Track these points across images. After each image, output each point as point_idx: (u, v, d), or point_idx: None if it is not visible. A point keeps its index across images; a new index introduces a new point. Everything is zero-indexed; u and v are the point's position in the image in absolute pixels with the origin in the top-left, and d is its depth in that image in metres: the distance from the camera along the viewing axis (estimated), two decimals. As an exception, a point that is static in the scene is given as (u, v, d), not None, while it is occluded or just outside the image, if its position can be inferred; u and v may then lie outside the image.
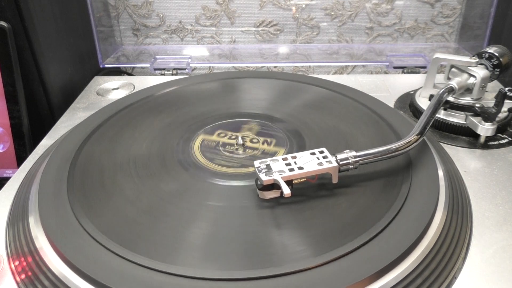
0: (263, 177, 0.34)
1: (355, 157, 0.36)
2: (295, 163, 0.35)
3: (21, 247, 0.33)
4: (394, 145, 0.37)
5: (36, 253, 0.32)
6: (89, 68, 0.70)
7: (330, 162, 0.35)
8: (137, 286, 0.28)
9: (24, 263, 0.31)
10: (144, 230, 0.32)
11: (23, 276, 0.31)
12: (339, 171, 0.35)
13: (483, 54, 0.50)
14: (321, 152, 0.36)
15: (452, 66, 0.51)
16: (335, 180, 0.36)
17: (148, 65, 0.71)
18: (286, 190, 0.32)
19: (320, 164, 0.35)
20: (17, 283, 0.31)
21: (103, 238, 0.31)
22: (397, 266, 0.29)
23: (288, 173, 0.34)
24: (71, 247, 0.31)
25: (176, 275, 0.28)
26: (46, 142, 0.49)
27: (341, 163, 0.35)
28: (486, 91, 0.50)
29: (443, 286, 0.30)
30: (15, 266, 0.32)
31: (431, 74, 0.53)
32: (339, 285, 0.27)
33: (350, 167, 0.36)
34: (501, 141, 0.46)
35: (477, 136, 0.46)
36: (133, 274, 0.29)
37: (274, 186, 0.34)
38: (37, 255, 0.31)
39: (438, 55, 0.52)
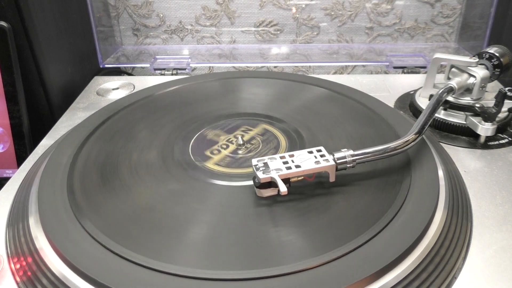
0: (260, 175, 0.34)
1: (352, 156, 0.36)
2: (293, 161, 0.35)
3: (21, 247, 0.33)
4: (392, 144, 0.37)
5: (36, 253, 0.32)
6: (89, 68, 0.70)
7: (327, 160, 0.35)
8: (137, 286, 0.28)
9: (24, 263, 0.31)
10: (144, 230, 0.32)
11: (23, 276, 0.31)
12: (336, 169, 0.35)
13: (484, 54, 0.50)
14: (319, 150, 0.37)
15: (452, 66, 0.51)
16: (332, 179, 0.36)
17: (148, 65, 0.71)
18: (283, 188, 0.33)
19: (317, 162, 0.35)
20: (17, 283, 0.31)
21: (103, 238, 0.31)
22: (397, 266, 0.29)
23: (285, 171, 0.34)
24: (71, 247, 0.31)
25: (175, 275, 0.28)
26: (46, 142, 0.49)
27: (338, 161, 0.35)
28: (486, 91, 0.50)
29: (443, 286, 0.30)
30: (15, 266, 0.32)
31: (431, 74, 0.53)
32: (339, 285, 0.27)
33: (348, 165, 0.36)
34: (501, 141, 0.46)
35: (477, 136, 0.46)
36: (133, 274, 0.29)
37: (272, 184, 0.34)
38: (37, 255, 0.31)
39: (438, 55, 0.52)
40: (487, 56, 0.50)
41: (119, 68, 0.78)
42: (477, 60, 0.49)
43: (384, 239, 0.31)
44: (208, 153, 0.42)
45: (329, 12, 0.76)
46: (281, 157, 0.36)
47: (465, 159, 0.44)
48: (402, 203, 0.34)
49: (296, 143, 0.43)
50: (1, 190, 0.41)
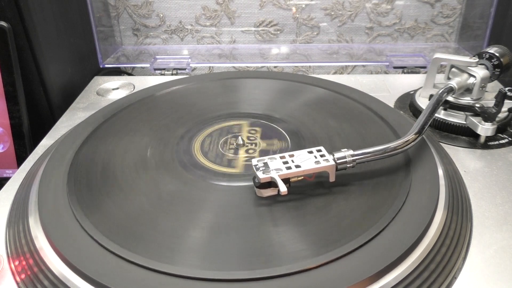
0: (260, 175, 0.34)
1: (352, 155, 0.36)
2: (293, 161, 0.35)
3: (21, 247, 0.33)
4: (392, 144, 0.37)
5: (36, 253, 0.32)
6: (89, 68, 0.70)
7: (327, 160, 0.35)
8: (136, 287, 0.28)
9: (24, 263, 0.31)
10: (144, 230, 0.32)
11: (23, 276, 0.31)
12: (336, 169, 0.36)
13: (484, 54, 0.50)
14: (319, 150, 0.37)
15: (452, 66, 0.51)
16: (332, 179, 0.36)
17: (148, 65, 0.71)
18: (283, 188, 0.33)
19: (317, 162, 0.35)
20: (17, 283, 0.31)
21: (103, 238, 0.31)
22: (397, 266, 0.29)
23: (285, 171, 0.34)
24: (71, 247, 0.31)
25: (175, 275, 0.28)
26: (46, 142, 0.49)
27: (338, 161, 0.35)
28: (486, 91, 0.50)
29: (443, 286, 0.30)
30: (15, 266, 0.32)
31: (431, 74, 0.53)
32: (339, 285, 0.27)
33: (348, 165, 0.36)
34: (501, 141, 0.46)
35: (477, 136, 0.46)
36: (132, 274, 0.29)
37: (272, 184, 0.34)
38: (37, 255, 0.31)
39: (438, 55, 0.52)
40: (487, 56, 0.50)
41: (119, 68, 0.78)
42: (477, 60, 0.49)
43: (384, 240, 0.31)
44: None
45: (329, 12, 0.76)
46: (281, 157, 0.36)
47: (465, 159, 0.44)
48: (402, 203, 0.34)
49: (296, 143, 0.43)
50: (1, 190, 0.41)
